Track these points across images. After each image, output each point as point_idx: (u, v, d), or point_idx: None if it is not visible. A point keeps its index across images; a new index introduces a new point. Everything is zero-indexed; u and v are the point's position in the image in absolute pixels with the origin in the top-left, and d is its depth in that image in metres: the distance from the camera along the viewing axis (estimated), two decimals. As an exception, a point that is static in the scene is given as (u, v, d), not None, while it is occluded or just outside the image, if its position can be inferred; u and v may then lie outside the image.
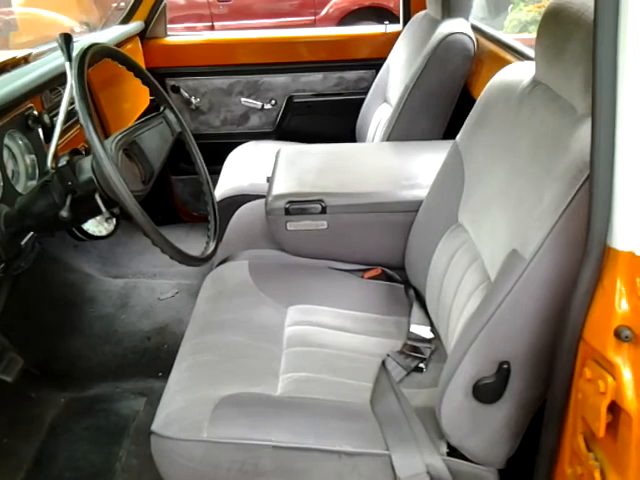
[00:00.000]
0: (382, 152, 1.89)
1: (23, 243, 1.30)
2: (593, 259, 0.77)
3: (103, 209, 1.10)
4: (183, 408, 1.11)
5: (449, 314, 1.23)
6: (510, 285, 0.92)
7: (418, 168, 1.68)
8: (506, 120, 1.18)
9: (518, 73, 1.23)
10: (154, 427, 1.10)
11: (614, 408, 0.75)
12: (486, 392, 0.97)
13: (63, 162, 1.15)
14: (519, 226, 0.99)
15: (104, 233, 1.76)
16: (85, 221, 1.34)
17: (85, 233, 1.68)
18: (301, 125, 2.55)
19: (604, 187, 0.75)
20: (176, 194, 2.71)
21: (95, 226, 1.72)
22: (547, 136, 1.01)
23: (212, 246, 1.27)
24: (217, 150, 2.38)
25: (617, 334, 0.73)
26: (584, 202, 0.80)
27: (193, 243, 1.40)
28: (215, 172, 2.00)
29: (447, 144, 1.44)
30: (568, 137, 0.93)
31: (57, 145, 1.28)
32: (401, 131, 1.94)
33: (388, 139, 1.95)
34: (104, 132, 1.87)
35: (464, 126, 1.37)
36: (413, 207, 1.48)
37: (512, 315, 0.93)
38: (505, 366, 0.95)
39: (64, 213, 1.10)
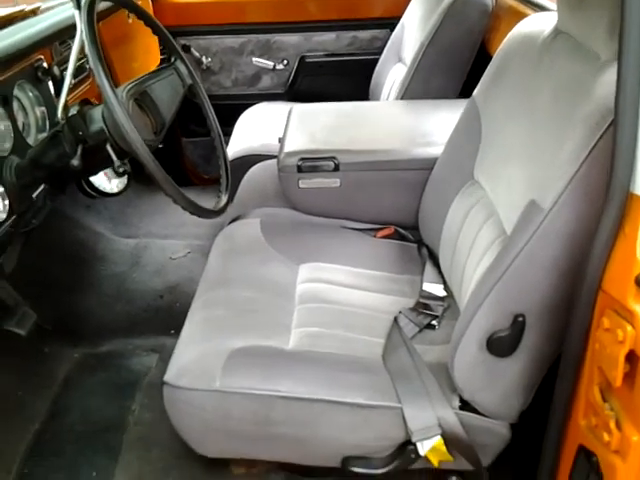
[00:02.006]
0: (396, 110, 1.85)
1: (34, 196, 1.30)
2: (615, 206, 0.75)
3: (115, 158, 1.09)
4: (195, 359, 1.12)
5: (463, 271, 1.21)
6: (527, 236, 0.90)
7: (433, 126, 1.65)
8: (526, 72, 1.15)
9: (538, 24, 1.19)
10: (166, 378, 1.10)
11: (632, 357, 0.74)
12: (500, 345, 0.97)
13: (73, 112, 1.13)
14: (538, 177, 0.97)
15: (115, 190, 1.75)
16: (96, 172, 1.33)
17: (97, 190, 1.68)
18: (313, 86, 2.51)
19: (629, 132, 0.72)
20: (186, 156, 2.68)
21: (107, 183, 1.72)
22: (569, 85, 0.98)
23: (224, 199, 1.26)
24: (228, 111, 2.34)
25: (638, 282, 0.72)
26: (606, 149, 0.78)
27: (204, 205, 1.39)
28: (226, 133, 1.97)
29: (463, 102, 1.41)
30: (591, 84, 0.90)
31: (67, 97, 1.27)
32: (416, 90, 1.90)
33: (402, 98, 1.91)
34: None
35: (481, 81, 1.33)
36: (427, 165, 1.46)
37: (529, 267, 0.92)
38: (520, 319, 0.94)
39: (75, 162, 1.09)
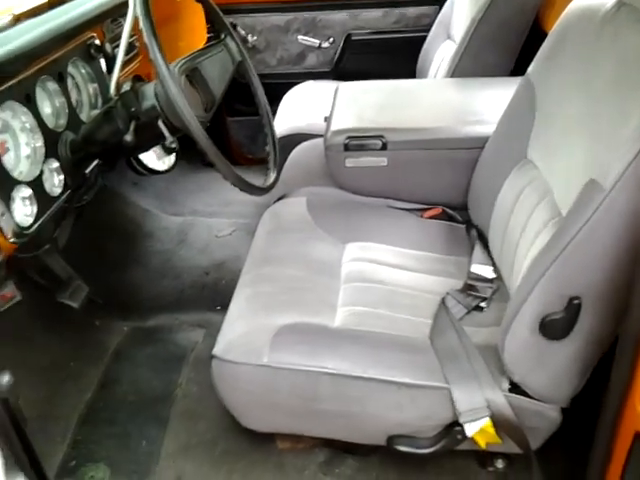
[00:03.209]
0: (446, 88, 1.81)
1: (87, 172, 1.33)
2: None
3: (167, 134, 1.10)
4: (244, 334, 1.13)
5: (514, 253, 1.19)
6: (586, 217, 0.87)
7: (484, 104, 1.61)
8: (586, 46, 1.10)
9: (598, -3, 1.14)
10: (215, 351, 1.12)
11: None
12: (554, 328, 0.95)
13: (126, 88, 1.15)
14: (599, 155, 0.93)
15: (164, 168, 1.78)
16: (148, 148, 1.34)
17: (146, 167, 1.70)
18: (359, 64, 2.47)
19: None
20: (231, 136, 2.69)
21: (155, 161, 1.74)
22: (634, 58, 0.94)
23: (273, 176, 1.26)
24: (273, 90, 2.33)
25: None
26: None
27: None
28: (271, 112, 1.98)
29: (516, 80, 1.37)
30: (659, 57, 0.86)
31: (119, 74, 1.28)
32: (466, 68, 1.85)
33: (452, 76, 1.87)
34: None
35: (537, 57, 1.29)
36: (478, 144, 1.43)
37: (586, 248, 0.89)
38: (576, 301, 0.91)
39: (128, 137, 1.11)
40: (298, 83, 2.42)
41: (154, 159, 1.73)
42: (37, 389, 1.47)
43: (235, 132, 2.68)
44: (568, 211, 0.96)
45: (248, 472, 1.30)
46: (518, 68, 1.83)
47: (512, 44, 1.85)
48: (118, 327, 1.73)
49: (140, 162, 1.70)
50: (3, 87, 1.06)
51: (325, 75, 2.52)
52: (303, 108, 2.16)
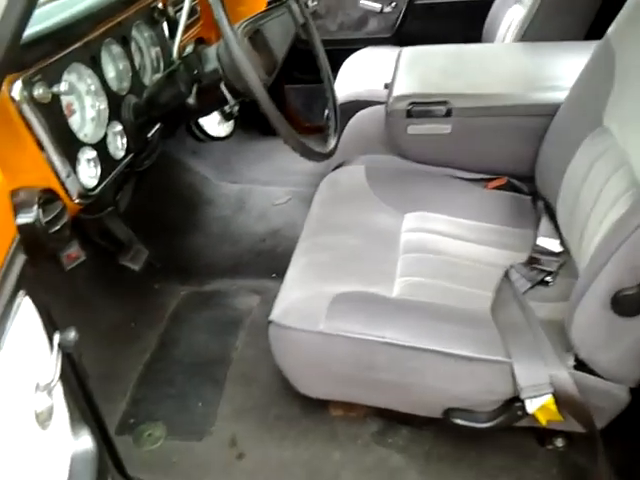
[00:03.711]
0: (515, 53, 1.72)
1: (149, 136, 1.34)
2: None
3: (229, 97, 1.09)
4: (301, 300, 1.13)
5: (585, 225, 1.13)
6: (669, 187, 0.81)
7: (556, 70, 1.52)
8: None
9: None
10: (272, 316, 1.12)
11: None
12: (627, 304, 0.89)
13: (189, 51, 1.14)
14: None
15: (223, 134, 1.79)
16: (210, 112, 1.34)
17: (205, 133, 1.72)
18: (422, 30, 2.39)
19: None
20: (289, 103, 2.67)
21: (215, 127, 1.75)
22: None
23: (333, 142, 1.24)
24: (333, 57, 2.29)
25: None
26: None
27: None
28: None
29: (591, 45, 1.29)
30: None
31: (182, 38, 1.28)
32: (537, 32, 1.76)
33: (521, 41, 1.78)
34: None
35: (618, 18, 1.21)
36: (548, 111, 1.35)
37: (668, 220, 0.83)
38: (653, 277, 0.86)
39: (190, 100, 1.11)
40: (358, 49, 2.37)
41: (213, 125, 1.74)
42: (99, 349, 1.51)
43: (293, 100, 2.66)
44: (648, 181, 0.90)
45: (301, 439, 1.31)
46: (593, 32, 1.72)
47: (587, 6, 1.75)
48: (176, 291, 1.76)
49: (200, 128, 1.72)
50: (70, 49, 1.08)
51: (386, 41, 2.46)
52: (363, 75, 2.12)
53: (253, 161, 2.37)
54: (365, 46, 2.40)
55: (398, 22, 2.44)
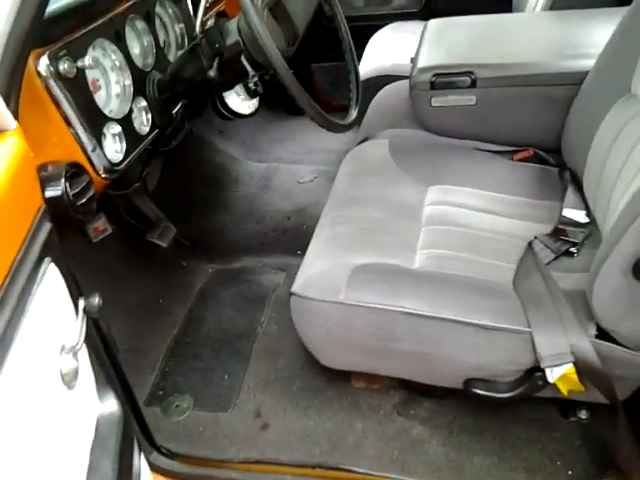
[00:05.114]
0: (543, 21, 1.68)
1: (174, 112, 1.35)
2: None
3: (249, 69, 1.09)
4: (322, 272, 1.14)
5: (610, 194, 1.10)
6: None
7: (585, 37, 1.48)
8: None
9: None
10: (294, 288, 1.14)
11: None
12: (649, 271, 0.88)
13: (211, 24, 1.15)
14: None
15: (248, 112, 1.79)
16: (232, 86, 1.35)
17: (231, 110, 1.72)
18: (450, 2, 2.34)
19: None
20: (316, 82, 2.66)
21: (240, 105, 1.76)
22: None
23: (354, 113, 1.23)
24: (359, 33, 2.27)
25: None
26: None
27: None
28: (357, 56, 1.92)
29: (621, 11, 1.25)
30: None
31: (204, 12, 1.29)
32: (566, 0, 1.71)
33: (551, 9, 1.73)
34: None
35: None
36: (576, 79, 1.32)
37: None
38: (676, 242, 0.84)
39: (212, 73, 1.11)
40: (385, 25, 2.34)
41: (239, 102, 1.75)
42: (129, 324, 1.56)
43: (319, 78, 2.64)
44: (674, 145, 0.87)
45: (324, 409, 1.32)
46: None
47: (620, -28, 1.69)
48: (203, 268, 1.79)
49: (225, 105, 1.72)
50: (95, 24, 1.09)
51: (413, 16, 2.41)
52: (389, 49, 2.10)
53: (279, 140, 2.38)
54: (392, 21, 2.37)
55: (426, -4, 2.40)
